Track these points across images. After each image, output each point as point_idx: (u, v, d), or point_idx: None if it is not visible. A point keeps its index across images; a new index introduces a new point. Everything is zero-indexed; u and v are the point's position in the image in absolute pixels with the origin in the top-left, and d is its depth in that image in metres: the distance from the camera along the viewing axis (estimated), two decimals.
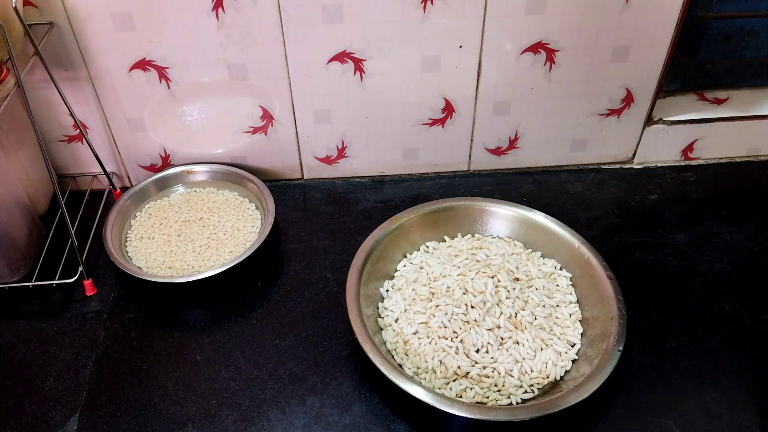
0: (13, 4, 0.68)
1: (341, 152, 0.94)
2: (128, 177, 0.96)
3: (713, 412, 0.66)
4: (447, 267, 0.76)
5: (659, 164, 0.98)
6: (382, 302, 0.75)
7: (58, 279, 0.78)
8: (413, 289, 0.74)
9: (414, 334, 0.70)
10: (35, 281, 0.78)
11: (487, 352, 0.68)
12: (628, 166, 0.98)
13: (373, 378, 0.69)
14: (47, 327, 0.76)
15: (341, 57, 0.83)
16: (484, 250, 0.79)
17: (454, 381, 0.67)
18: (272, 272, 0.82)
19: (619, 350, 0.65)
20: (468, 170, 0.98)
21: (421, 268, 0.77)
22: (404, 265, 0.79)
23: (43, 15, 0.78)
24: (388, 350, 0.70)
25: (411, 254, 0.80)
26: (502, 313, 0.71)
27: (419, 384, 0.63)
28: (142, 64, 0.83)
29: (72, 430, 0.66)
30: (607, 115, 0.92)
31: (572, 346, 0.70)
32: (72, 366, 0.72)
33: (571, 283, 0.76)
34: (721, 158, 0.99)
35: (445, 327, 0.70)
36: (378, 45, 0.82)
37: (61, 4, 0.77)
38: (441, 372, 0.67)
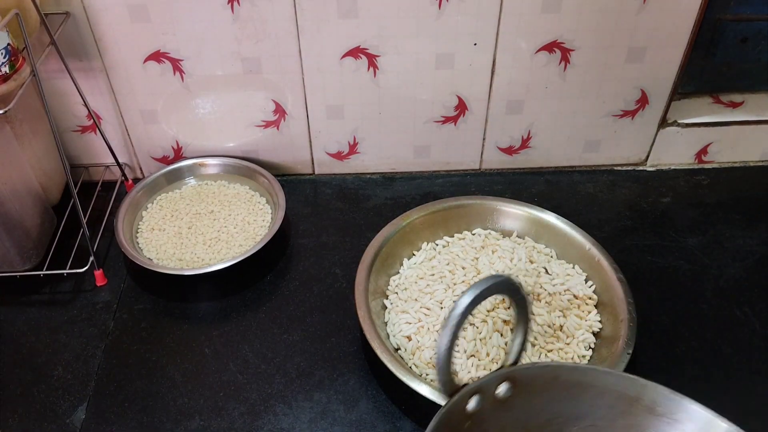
0: None
1: (353, 148, 0.94)
2: (140, 168, 0.96)
3: (723, 416, 0.65)
4: (456, 265, 0.76)
5: (672, 167, 0.98)
6: (390, 299, 0.75)
7: (69, 268, 0.79)
8: (422, 287, 0.74)
9: (421, 331, 0.70)
10: (46, 270, 0.79)
11: (495, 352, 0.68)
12: (641, 168, 0.98)
13: (380, 375, 0.69)
14: (57, 316, 0.77)
15: (355, 52, 0.83)
16: (493, 247, 0.79)
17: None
18: (281, 267, 0.82)
19: (628, 353, 0.65)
20: (479, 169, 0.98)
21: (432, 266, 0.77)
22: (413, 263, 0.79)
23: (59, 5, 0.78)
24: (396, 347, 0.70)
25: (420, 252, 0.80)
26: (511, 313, 0.70)
27: (426, 382, 0.63)
28: (157, 56, 0.83)
29: (80, 420, 0.66)
30: (621, 116, 0.91)
31: (582, 348, 0.69)
32: (81, 355, 0.72)
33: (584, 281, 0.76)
34: (735, 162, 0.98)
35: None
36: (392, 41, 0.82)
37: None
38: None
